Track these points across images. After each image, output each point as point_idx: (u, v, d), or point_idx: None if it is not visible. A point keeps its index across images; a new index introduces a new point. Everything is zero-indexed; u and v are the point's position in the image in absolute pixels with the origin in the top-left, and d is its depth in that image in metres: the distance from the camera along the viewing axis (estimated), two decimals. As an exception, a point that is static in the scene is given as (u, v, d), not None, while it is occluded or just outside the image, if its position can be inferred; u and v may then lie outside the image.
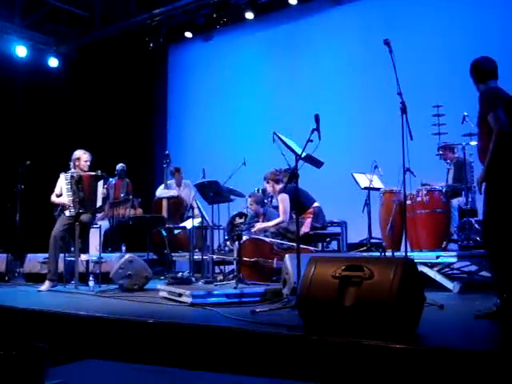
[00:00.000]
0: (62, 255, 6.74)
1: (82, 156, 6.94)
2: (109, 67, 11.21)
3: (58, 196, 6.86)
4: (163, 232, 7.96)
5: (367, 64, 9.24)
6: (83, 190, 6.75)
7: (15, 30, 10.63)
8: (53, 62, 11.37)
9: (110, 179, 7.68)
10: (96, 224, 7.28)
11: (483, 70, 4.09)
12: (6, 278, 7.65)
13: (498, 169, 3.82)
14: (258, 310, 4.17)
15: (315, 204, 6.80)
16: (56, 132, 10.88)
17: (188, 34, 11.40)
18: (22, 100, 10.77)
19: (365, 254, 6.66)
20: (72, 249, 7.03)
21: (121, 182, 9.20)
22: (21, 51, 10.75)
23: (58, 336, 4.19)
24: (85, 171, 6.90)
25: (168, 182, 9.24)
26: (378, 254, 6.50)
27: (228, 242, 7.89)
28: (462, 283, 5.77)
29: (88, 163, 6.95)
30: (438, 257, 5.94)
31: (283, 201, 6.62)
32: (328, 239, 7.23)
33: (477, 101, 3.98)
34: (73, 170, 6.94)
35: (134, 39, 11.09)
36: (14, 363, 1.61)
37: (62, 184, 6.82)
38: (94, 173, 6.92)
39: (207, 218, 6.98)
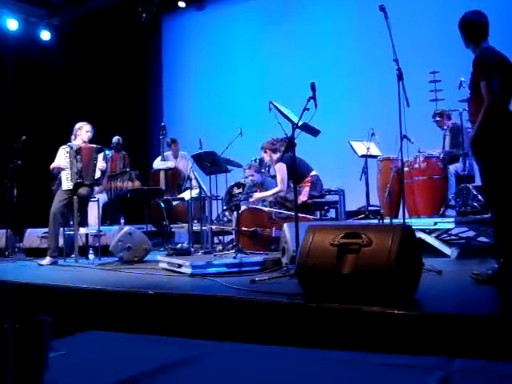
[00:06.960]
0: (61, 229, 6.74)
1: (84, 126, 6.88)
2: (102, 39, 11.08)
3: None
4: (161, 204, 7.97)
5: (363, 31, 9.14)
6: (82, 161, 6.69)
7: (6, 2, 10.45)
8: (45, 35, 11.23)
9: (107, 152, 7.65)
10: (94, 197, 7.28)
11: (474, 27, 4.04)
12: (6, 254, 7.65)
13: (487, 137, 3.83)
14: (257, 278, 4.20)
15: (313, 173, 6.80)
16: (50, 106, 10.79)
17: (181, 4, 11.21)
18: (15, 74, 10.64)
19: (363, 221, 6.68)
20: (71, 223, 7.03)
21: (117, 154, 9.19)
22: (12, 24, 10.59)
23: (60, 309, 4.23)
24: (85, 141, 6.85)
25: (165, 153, 9.23)
26: (376, 221, 6.52)
27: (226, 213, 7.92)
28: (460, 249, 5.80)
29: (89, 134, 6.87)
30: (435, 223, 5.97)
31: (280, 170, 6.62)
32: (326, 207, 7.24)
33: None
34: (73, 142, 6.90)
35: (127, 10, 10.92)
36: (18, 336, 1.63)
37: (61, 156, 6.75)
38: (94, 145, 6.88)
39: (205, 189, 6.98)
